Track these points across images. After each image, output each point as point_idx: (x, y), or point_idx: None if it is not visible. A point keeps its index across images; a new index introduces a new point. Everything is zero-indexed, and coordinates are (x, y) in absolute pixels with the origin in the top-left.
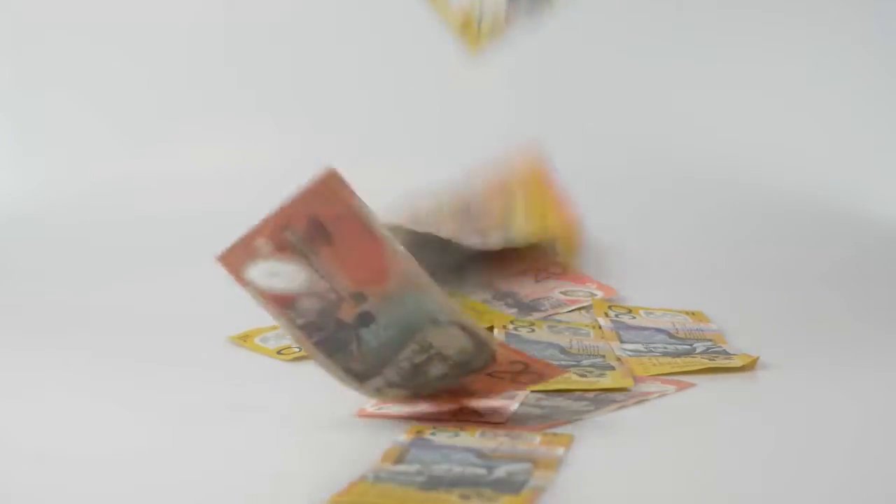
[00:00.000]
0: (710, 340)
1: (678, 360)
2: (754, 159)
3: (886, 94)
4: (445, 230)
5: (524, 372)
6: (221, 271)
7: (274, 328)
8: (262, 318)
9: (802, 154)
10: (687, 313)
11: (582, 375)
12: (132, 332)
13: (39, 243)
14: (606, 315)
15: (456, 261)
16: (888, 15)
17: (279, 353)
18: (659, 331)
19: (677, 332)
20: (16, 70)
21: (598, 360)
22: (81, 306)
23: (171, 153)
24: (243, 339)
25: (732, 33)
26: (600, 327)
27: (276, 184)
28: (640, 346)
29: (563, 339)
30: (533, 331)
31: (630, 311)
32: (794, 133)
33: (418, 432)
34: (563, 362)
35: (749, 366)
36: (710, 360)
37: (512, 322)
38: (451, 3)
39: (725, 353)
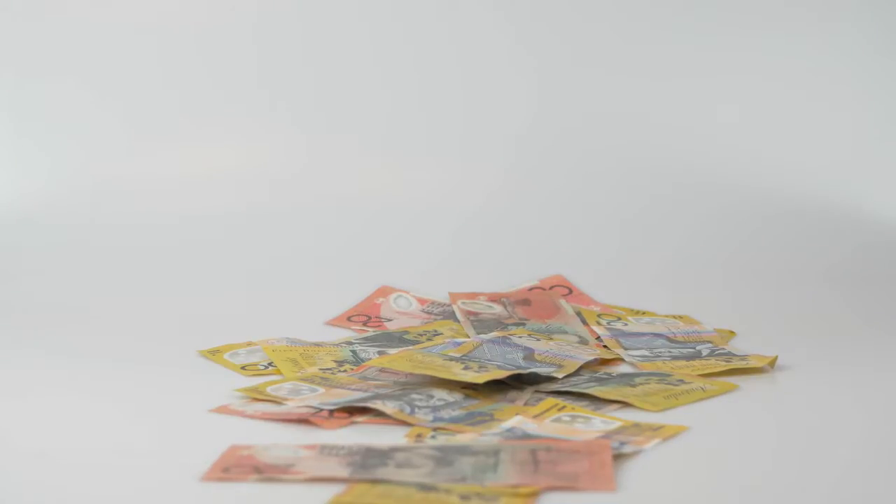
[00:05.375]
0: (710, 342)
1: (695, 362)
2: (755, 163)
3: (886, 97)
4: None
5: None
6: (221, 273)
7: (246, 345)
8: (256, 323)
9: (803, 157)
10: (675, 317)
11: (728, 360)
12: (132, 333)
13: (39, 243)
14: (599, 324)
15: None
16: (888, 17)
17: (243, 368)
18: (657, 335)
19: (676, 336)
20: (17, 71)
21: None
22: (81, 307)
23: (172, 154)
24: (212, 354)
25: (730, 37)
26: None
27: (277, 185)
28: (645, 352)
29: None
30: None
31: (619, 318)
32: (795, 136)
33: (418, 436)
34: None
35: (769, 365)
36: (726, 361)
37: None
38: None
39: (731, 354)
